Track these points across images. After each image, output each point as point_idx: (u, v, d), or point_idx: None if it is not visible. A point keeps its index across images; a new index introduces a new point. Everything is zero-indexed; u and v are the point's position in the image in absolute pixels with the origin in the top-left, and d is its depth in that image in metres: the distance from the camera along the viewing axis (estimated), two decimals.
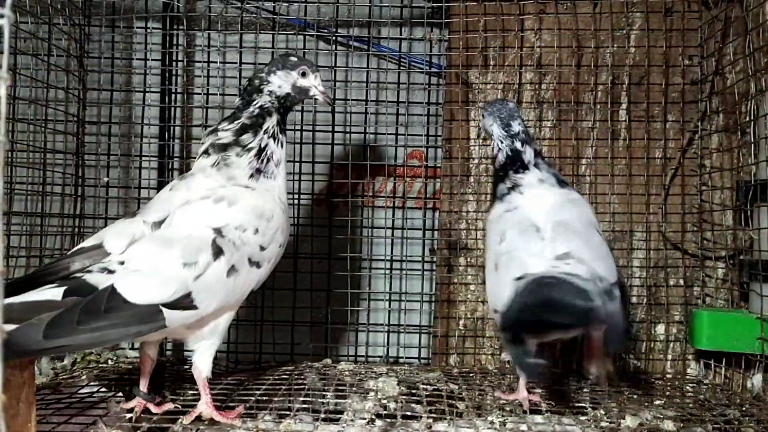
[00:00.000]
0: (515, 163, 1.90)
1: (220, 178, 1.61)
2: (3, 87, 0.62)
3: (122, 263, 1.39)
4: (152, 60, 2.44)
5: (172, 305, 1.37)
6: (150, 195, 2.35)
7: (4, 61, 0.63)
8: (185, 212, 1.53)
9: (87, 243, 1.46)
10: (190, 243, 1.45)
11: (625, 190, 2.27)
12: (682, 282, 2.26)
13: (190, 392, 1.74)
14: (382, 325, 2.41)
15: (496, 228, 1.80)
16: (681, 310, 2.24)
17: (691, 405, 1.79)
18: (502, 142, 1.91)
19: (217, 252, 1.46)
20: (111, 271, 1.37)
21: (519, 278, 1.57)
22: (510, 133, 1.91)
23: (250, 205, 1.57)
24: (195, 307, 1.41)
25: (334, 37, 2.51)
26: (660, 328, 2.25)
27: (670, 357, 2.23)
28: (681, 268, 2.26)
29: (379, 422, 1.55)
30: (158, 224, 1.51)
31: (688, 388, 2.03)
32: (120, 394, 1.73)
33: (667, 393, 1.95)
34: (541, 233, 1.69)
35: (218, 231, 1.49)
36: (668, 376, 2.18)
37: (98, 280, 1.34)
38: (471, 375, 2.11)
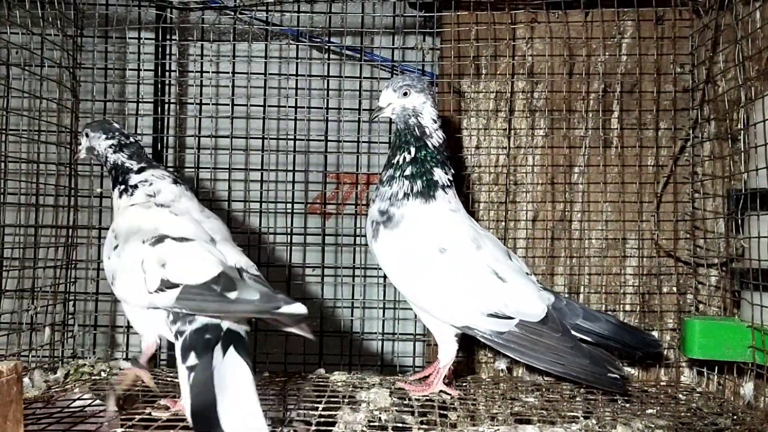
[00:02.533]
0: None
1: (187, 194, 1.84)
2: None
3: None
4: (145, 70, 2.45)
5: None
6: None
7: None
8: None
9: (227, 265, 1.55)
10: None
11: (618, 197, 2.27)
12: (675, 289, 2.26)
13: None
14: (375, 333, 2.41)
15: (462, 230, 1.86)
16: (674, 317, 2.25)
17: (683, 413, 1.79)
18: (437, 122, 1.91)
19: None
20: None
21: None
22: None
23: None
24: None
25: (326, 46, 2.51)
26: (654, 336, 2.25)
27: (663, 364, 2.23)
28: (674, 275, 2.26)
29: None
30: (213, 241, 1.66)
31: (681, 396, 2.03)
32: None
33: (661, 401, 1.95)
34: None
35: None
36: (662, 383, 2.19)
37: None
38: (464, 384, 2.11)
